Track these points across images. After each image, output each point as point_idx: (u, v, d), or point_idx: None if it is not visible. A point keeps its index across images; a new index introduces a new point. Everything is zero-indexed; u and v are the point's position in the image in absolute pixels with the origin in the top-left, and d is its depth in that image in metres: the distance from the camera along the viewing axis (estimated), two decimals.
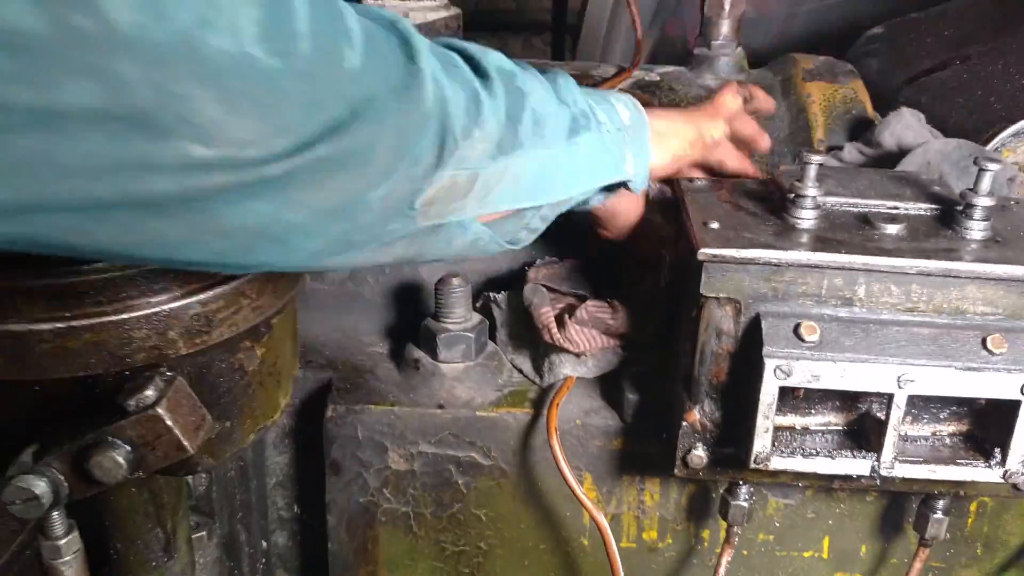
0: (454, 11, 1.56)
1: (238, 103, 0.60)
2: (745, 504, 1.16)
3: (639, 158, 1.08)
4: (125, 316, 0.73)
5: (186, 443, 0.72)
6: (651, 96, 1.51)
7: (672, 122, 1.17)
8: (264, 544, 1.39)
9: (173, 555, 1.01)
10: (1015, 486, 1.06)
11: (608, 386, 1.27)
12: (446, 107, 0.77)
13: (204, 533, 1.12)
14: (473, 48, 0.90)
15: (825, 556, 1.29)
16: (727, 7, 1.53)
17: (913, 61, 1.65)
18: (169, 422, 0.71)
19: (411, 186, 0.77)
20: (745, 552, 1.29)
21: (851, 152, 1.35)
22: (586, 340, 1.23)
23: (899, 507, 1.24)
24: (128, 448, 0.71)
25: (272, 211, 0.66)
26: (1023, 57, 1.44)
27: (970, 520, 1.25)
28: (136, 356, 0.75)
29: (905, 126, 1.31)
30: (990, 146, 1.27)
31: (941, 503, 1.15)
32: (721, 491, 1.18)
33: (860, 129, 1.41)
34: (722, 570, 1.19)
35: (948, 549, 1.27)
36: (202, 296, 0.77)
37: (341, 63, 0.67)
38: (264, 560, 1.40)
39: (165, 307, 0.75)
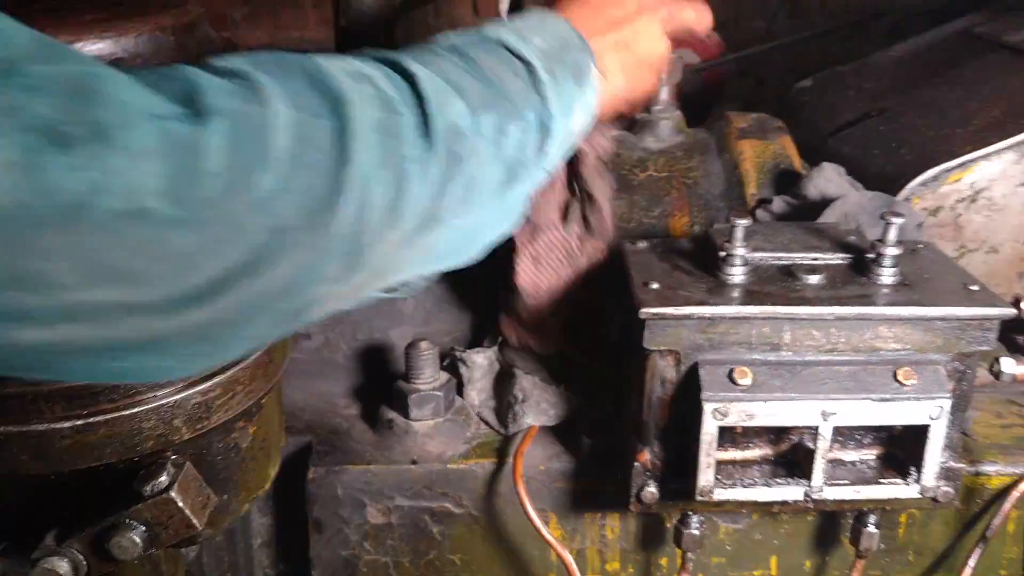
0: None
1: (131, 259, 0.57)
2: (697, 532, 1.27)
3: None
4: (136, 410, 0.83)
5: (195, 521, 0.81)
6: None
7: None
8: None
9: None
10: (934, 499, 1.19)
11: (567, 433, 1.37)
12: (365, 214, 0.69)
13: None
14: (434, 96, 0.77)
15: (774, 574, 1.40)
16: (664, 76, 1.66)
17: (837, 113, 1.79)
18: (181, 504, 0.80)
19: (304, 302, 0.71)
20: (701, 575, 1.40)
21: (779, 204, 1.48)
22: None
23: (836, 524, 1.36)
24: (143, 528, 0.80)
25: (155, 360, 0.64)
26: (932, 109, 1.59)
27: (901, 530, 1.38)
28: (145, 444, 0.84)
29: (826, 179, 1.44)
30: (900, 195, 1.41)
31: (872, 518, 1.27)
32: (674, 521, 1.29)
33: (788, 182, 1.54)
34: None
35: (883, 558, 1.39)
36: (202, 387, 0.86)
37: (251, 193, 0.62)
38: None
39: (170, 399, 0.84)
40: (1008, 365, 1.18)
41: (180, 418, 0.85)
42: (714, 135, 1.66)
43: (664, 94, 1.64)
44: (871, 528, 1.28)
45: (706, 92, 2.91)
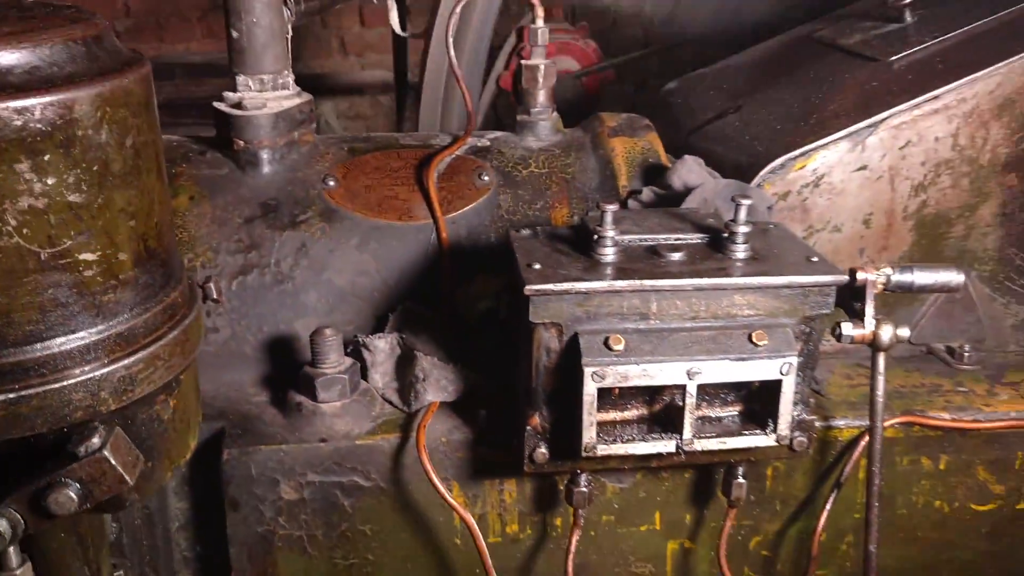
0: (306, 97, 1.76)
1: None
2: (585, 489, 1.40)
3: None
4: (65, 383, 0.91)
5: (127, 477, 0.90)
6: (483, 159, 1.76)
7: None
8: None
9: None
10: (790, 447, 1.36)
11: (465, 407, 1.49)
12: None
13: (122, 572, 1.27)
14: None
15: (658, 528, 1.55)
16: (540, 80, 1.80)
17: (698, 112, 1.97)
18: (113, 462, 0.89)
19: None
20: (592, 532, 1.54)
21: (648, 194, 1.63)
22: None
23: (711, 480, 1.51)
24: (79, 486, 0.88)
25: None
26: (779, 105, 1.77)
27: (768, 483, 1.54)
28: (75, 415, 0.92)
29: (688, 170, 1.60)
30: (753, 182, 1.58)
31: (740, 470, 1.43)
32: (565, 482, 1.42)
33: (655, 174, 1.70)
34: (572, 547, 1.44)
35: (754, 509, 1.55)
36: (126, 362, 0.95)
37: None
38: None
39: (97, 373, 0.93)
40: (847, 328, 1.35)
41: (107, 390, 0.93)
42: (588, 134, 1.81)
43: (541, 96, 1.78)
44: (740, 479, 1.44)
45: (586, 96, 3.09)
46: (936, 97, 1.54)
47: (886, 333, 1.33)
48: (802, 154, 1.56)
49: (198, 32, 5.17)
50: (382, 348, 1.53)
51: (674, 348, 1.26)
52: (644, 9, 3.28)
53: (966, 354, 1.66)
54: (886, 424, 1.51)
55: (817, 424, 1.51)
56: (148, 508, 1.48)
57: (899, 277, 1.34)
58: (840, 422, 1.52)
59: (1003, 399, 1.58)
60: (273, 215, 1.63)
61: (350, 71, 5.22)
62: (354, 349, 1.54)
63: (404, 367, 1.52)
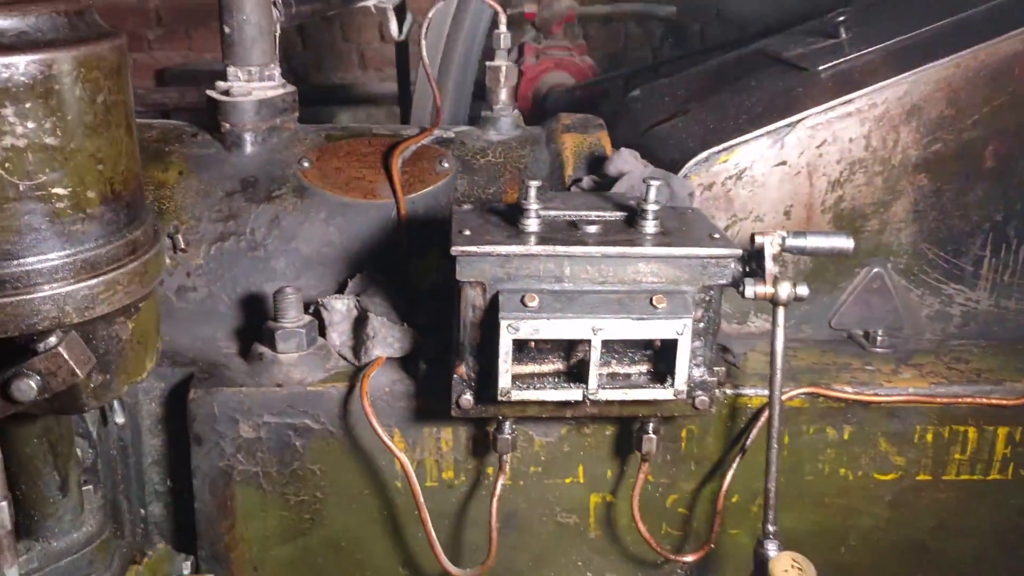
0: (290, 89, 1.95)
1: None
2: (509, 437, 1.57)
3: None
4: (35, 296, 1.09)
5: (78, 371, 1.08)
6: (446, 149, 1.93)
7: None
8: (143, 512, 1.72)
9: (67, 494, 1.35)
10: (693, 405, 1.51)
11: (409, 361, 1.66)
12: None
13: (91, 487, 1.45)
14: None
15: (582, 480, 1.71)
16: (503, 79, 1.98)
17: (653, 115, 2.14)
18: (67, 356, 1.07)
19: None
20: (521, 482, 1.69)
21: (587, 182, 1.80)
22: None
23: (628, 436, 1.66)
24: (38, 377, 1.07)
25: None
26: (718, 109, 1.94)
27: (683, 444, 1.69)
28: (41, 323, 1.10)
29: (623, 161, 1.77)
30: (680, 172, 1.74)
31: (651, 426, 1.58)
32: (492, 430, 1.59)
33: (597, 165, 1.87)
34: (497, 491, 1.59)
35: (670, 468, 1.70)
36: (89, 283, 1.13)
37: None
38: (143, 526, 1.72)
39: (63, 290, 1.11)
40: (750, 285, 1.50)
41: (70, 305, 1.11)
42: (545, 131, 1.99)
43: (503, 95, 1.96)
44: (650, 434, 1.59)
45: (581, 107, 3.26)
46: (850, 101, 1.70)
47: (784, 289, 1.49)
48: (725, 148, 1.72)
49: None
50: (339, 309, 1.70)
51: (582, 308, 1.42)
52: None
53: (879, 339, 1.81)
54: (792, 394, 1.67)
55: (728, 392, 1.67)
56: (123, 441, 1.66)
57: (793, 241, 1.50)
58: (749, 391, 1.67)
59: (905, 377, 1.72)
60: (251, 190, 1.82)
61: (368, 83, 5.46)
62: (315, 310, 1.72)
63: (358, 326, 1.70)
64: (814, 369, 1.74)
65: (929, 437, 1.71)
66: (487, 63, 1.98)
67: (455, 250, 1.41)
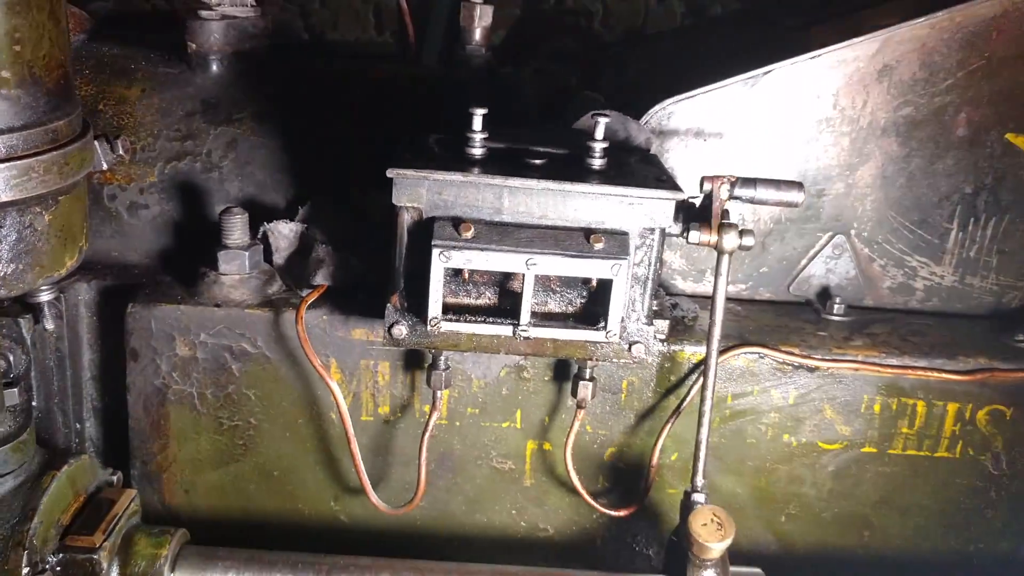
0: (261, 13, 1.93)
1: None
2: (443, 372, 1.54)
3: None
4: None
5: None
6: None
7: None
8: (78, 427, 1.71)
9: None
10: (630, 347, 1.48)
11: (350, 292, 1.64)
12: None
13: (15, 390, 1.44)
14: None
15: (519, 426, 1.68)
16: (477, 19, 1.95)
17: (635, 66, 2.11)
18: None
19: None
20: (458, 423, 1.68)
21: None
22: None
23: (566, 384, 1.64)
24: None
25: None
26: (687, 62, 1.90)
27: (623, 396, 1.67)
28: None
29: (586, 102, 1.74)
30: (643, 119, 1.70)
31: (587, 372, 1.56)
32: (427, 365, 1.57)
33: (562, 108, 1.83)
34: (429, 426, 1.57)
35: (610, 419, 1.68)
36: (1, 166, 1.12)
37: None
38: (77, 441, 1.72)
39: None
40: (695, 232, 1.47)
41: None
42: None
43: (477, 35, 1.94)
44: (586, 380, 1.56)
45: None
46: (818, 56, 1.66)
47: (729, 239, 1.45)
48: (688, 97, 1.68)
49: None
50: (285, 234, 1.69)
51: (517, 241, 1.39)
52: None
53: (836, 306, 1.77)
54: (737, 352, 1.64)
55: (673, 347, 1.64)
56: (61, 352, 1.66)
57: (742, 189, 1.46)
58: (694, 347, 1.64)
59: (856, 345, 1.68)
60: (211, 111, 1.81)
61: (383, 43, 5.42)
62: (263, 234, 1.70)
63: (303, 253, 1.68)
64: (765, 330, 1.71)
65: (876, 408, 1.68)
66: (463, 1, 1.95)
67: (391, 172, 1.39)
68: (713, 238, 1.46)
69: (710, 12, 5.34)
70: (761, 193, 1.48)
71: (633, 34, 3.70)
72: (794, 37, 1.80)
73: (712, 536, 1.43)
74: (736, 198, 1.47)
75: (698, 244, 1.47)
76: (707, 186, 1.47)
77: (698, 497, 1.52)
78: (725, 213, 1.49)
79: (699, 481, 1.53)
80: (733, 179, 1.47)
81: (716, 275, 1.49)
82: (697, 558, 1.46)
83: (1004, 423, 1.68)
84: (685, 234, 1.48)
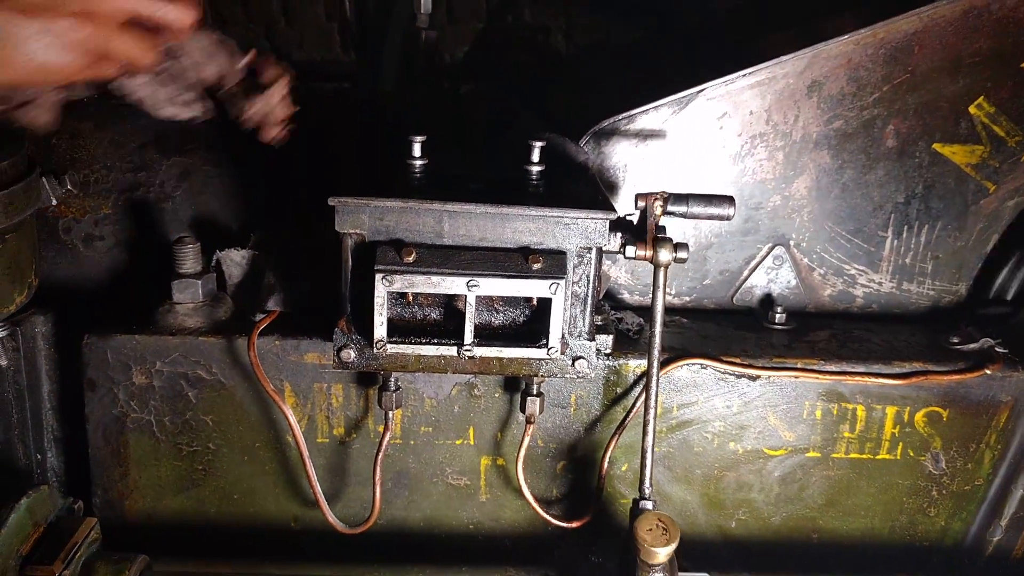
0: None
1: None
2: (393, 393, 1.58)
3: None
4: None
5: None
6: None
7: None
8: (39, 457, 1.74)
9: None
10: (573, 363, 1.52)
11: (303, 317, 1.68)
12: None
13: None
14: None
15: (472, 443, 1.72)
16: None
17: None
18: None
19: None
20: (412, 442, 1.71)
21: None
22: None
23: (516, 400, 1.68)
24: None
25: None
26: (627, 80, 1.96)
27: (572, 410, 1.71)
28: None
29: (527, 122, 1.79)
30: (582, 140, 1.76)
31: (535, 388, 1.60)
32: (378, 387, 1.61)
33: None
34: (383, 446, 1.61)
35: (559, 432, 1.72)
36: None
37: None
38: (39, 472, 1.75)
39: None
40: (631, 248, 1.52)
41: None
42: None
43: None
44: (534, 396, 1.61)
45: None
46: (750, 74, 1.71)
47: (664, 252, 1.50)
48: (625, 117, 1.74)
49: None
50: (238, 261, 1.72)
51: (458, 264, 1.44)
52: None
53: (777, 315, 1.82)
54: (680, 363, 1.68)
55: (619, 362, 1.68)
56: (19, 385, 1.69)
57: (675, 205, 1.52)
58: (638, 360, 1.69)
59: (796, 352, 1.73)
60: (164, 142, 1.85)
61: (349, 63, 5.47)
62: (216, 262, 1.74)
63: (255, 279, 1.72)
64: (708, 341, 1.76)
65: (818, 414, 1.73)
66: None
67: (332, 200, 1.43)
68: (648, 252, 1.51)
69: (675, 25, 5.43)
70: (694, 208, 1.53)
71: (594, 48, 3.78)
72: (749, 49, 1.85)
73: (657, 541, 1.47)
74: (670, 213, 1.52)
75: (635, 259, 1.52)
76: (641, 203, 1.52)
77: (646, 504, 1.56)
78: (661, 228, 1.54)
79: (646, 488, 1.57)
80: (666, 195, 1.52)
81: (653, 288, 1.54)
82: (645, 563, 1.50)
83: (941, 424, 1.74)
84: (622, 250, 1.53)
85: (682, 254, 1.52)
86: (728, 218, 1.53)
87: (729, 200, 1.54)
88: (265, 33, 5.71)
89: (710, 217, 1.53)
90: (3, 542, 1.40)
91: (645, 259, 1.52)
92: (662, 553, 1.48)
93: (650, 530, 1.48)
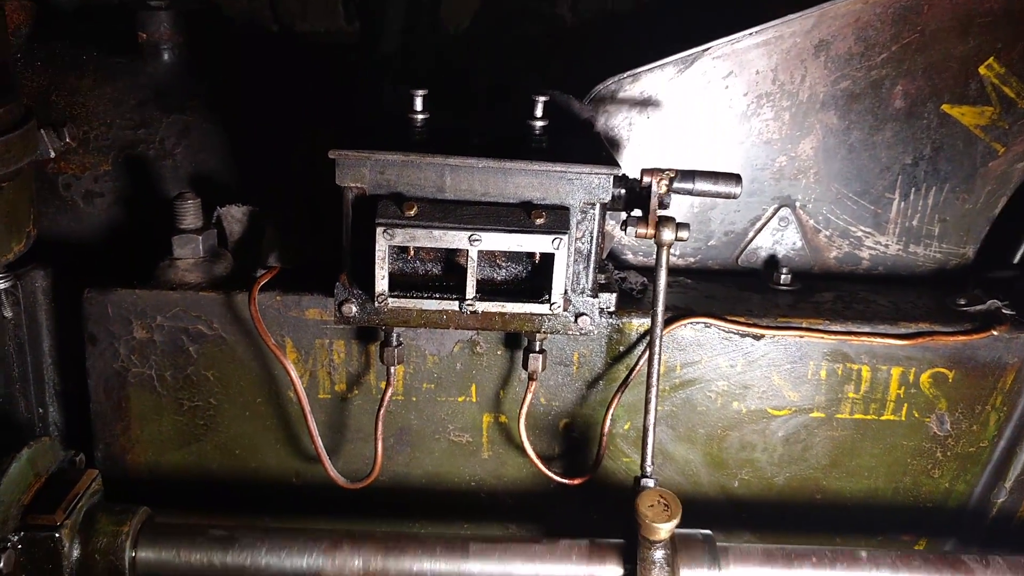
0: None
1: None
2: (395, 349, 1.58)
3: None
4: None
5: None
6: None
7: None
8: (41, 411, 1.74)
9: None
10: (576, 319, 1.52)
11: (304, 272, 1.67)
12: None
13: None
14: None
15: (475, 400, 1.72)
16: None
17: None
18: None
19: None
20: (414, 398, 1.71)
21: None
22: None
23: (518, 357, 1.67)
24: None
25: None
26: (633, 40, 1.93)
27: (575, 368, 1.70)
28: None
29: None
30: (586, 98, 1.74)
31: (537, 344, 1.59)
32: (380, 342, 1.60)
33: None
34: (384, 402, 1.61)
35: (562, 390, 1.71)
36: None
37: None
38: (41, 426, 1.75)
39: None
40: (632, 226, 1.51)
41: None
42: None
43: None
44: (536, 352, 1.60)
45: None
46: (756, 32, 1.69)
47: (667, 232, 1.49)
48: (630, 76, 1.71)
49: None
50: (238, 217, 1.72)
51: (460, 218, 1.43)
52: None
53: (782, 277, 1.81)
54: (685, 322, 1.67)
55: (622, 320, 1.68)
56: (20, 340, 1.69)
57: (681, 183, 1.50)
58: (641, 318, 1.68)
59: (801, 312, 1.72)
60: (164, 100, 1.83)
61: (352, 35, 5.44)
62: (217, 218, 1.73)
63: (255, 235, 1.71)
64: (712, 301, 1.75)
65: (823, 374, 1.72)
66: None
67: (333, 153, 1.42)
68: (651, 231, 1.50)
69: None
70: (700, 186, 1.51)
71: (600, 19, 3.74)
72: (756, 7, 1.82)
73: (659, 517, 1.46)
74: (675, 191, 1.51)
75: (637, 237, 1.51)
76: (647, 179, 1.50)
77: (647, 482, 1.55)
78: (665, 206, 1.53)
79: (648, 467, 1.56)
80: (672, 173, 1.50)
81: (656, 267, 1.52)
82: (646, 540, 1.48)
83: (946, 385, 1.73)
84: (624, 228, 1.52)
85: (683, 233, 1.50)
86: (735, 196, 1.52)
87: (736, 178, 1.52)
88: (269, 4, 5.69)
89: (717, 195, 1.51)
90: (4, 491, 1.41)
91: (647, 237, 1.51)
92: (663, 529, 1.46)
93: (652, 506, 1.47)
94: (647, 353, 1.62)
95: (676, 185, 1.51)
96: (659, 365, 1.55)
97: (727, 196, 1.53)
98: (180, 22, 1.86)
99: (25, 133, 1.27)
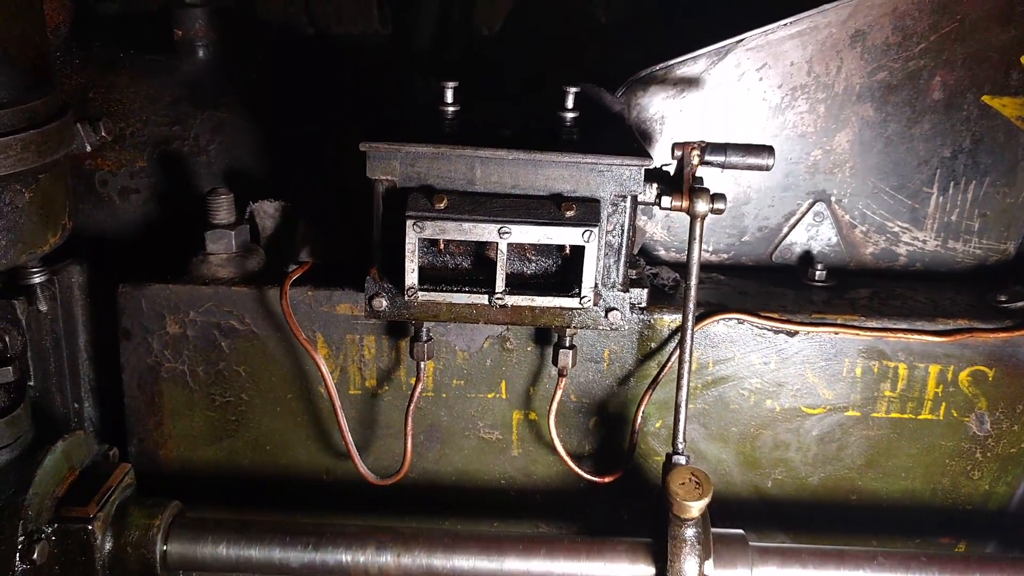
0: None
1: None
2: (425, 344, 1.57)
3: None
4: None
5: None
6: None
7: None
8: (76, 406, 1.76)
9: None
10: (606, 314, 1.50)
11: (335, 268, 1.67)
12: None
13: (10, 368, 1.48)
14: None
15: (504, 397, 1.71)
16: None
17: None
18: None
19: None
20: (444, 395, 1.71)
21: None
22: None
23: (548, 354, 1.66)
24: None
25: None
26: (667, 32, 1.92)
27: (605, 364, 1.69)
28: None
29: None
30: (618, 91, 1.72)
31: (567, 340, 1.58)
32: (410, 337, 1.60)
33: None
34: (415, 397, 1.60)
35: (593, 386, 1.70)
36: None
37: None
38: (76, 421, 1.76)
39: None
40: (667, 198, 1.49)
41: None
42: None
43: None
44: (566, 348, 1.59)
45: None
46: (791, 23, 1.67)
47: (701, 203, 1.47)
48: (663, 68, 1.70)
49: None
50: (271, 213, 1.72)
51: (490, 211, 1.42)
52: None
53: (817, 273, 1.78)
54: (717, 318, 1.65)
55: (654, 316, 1.66)
56: (56, 335, 1.70)
57: (712, 155, 1.48)
58: (673, 315, 1.66)
59: (837, 309, 1.69)
60: (198, 97, 1.85)
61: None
62: (250, 213, 1.74)
63: (288, 230, 1.71)
64: (745, 297, 1.72)
65: (858, 371, 1.69)
66: None
67: (364, 145, 1.42)
68: (684, 203, 1.48)
69: None
70: (732, 158, 1.50)
71: (632, 17, 3.73)
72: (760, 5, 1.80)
73: (690, 495, 1.45)
74: (707, 163, 1.49)
75: (670, 209, 1.49)
76: (678, 152, 1.49)
77: (678, 459, 1.54)
78: (698, 179, 1.51)
79: (679, 443, 1.54)
80: (703, 145, 1.49)
81: (690, 239, 1.51)
82: (677, 518, 1.47)
83: (986, 384, 1.69)
84: (658, 200, 1.50)
85: (719, 204, 1.49)
86: (768, 168, 1.50)
87: (768, 149, 1.50)
88: (304, 8, 5.73)
89: (749, 167, 1.49)
90: (40, 482, 1.42)
91: (681, 210, 1.49)
92: (695, 507, 1.45)
93: (683, 484, 1.45)
94: (678, 346, 1.60)
95: (707, 157, 1.50)
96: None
97: (759, 168, 1.51)
98: (215, 20, 1.88)
99: (62, 126, 1.28)
